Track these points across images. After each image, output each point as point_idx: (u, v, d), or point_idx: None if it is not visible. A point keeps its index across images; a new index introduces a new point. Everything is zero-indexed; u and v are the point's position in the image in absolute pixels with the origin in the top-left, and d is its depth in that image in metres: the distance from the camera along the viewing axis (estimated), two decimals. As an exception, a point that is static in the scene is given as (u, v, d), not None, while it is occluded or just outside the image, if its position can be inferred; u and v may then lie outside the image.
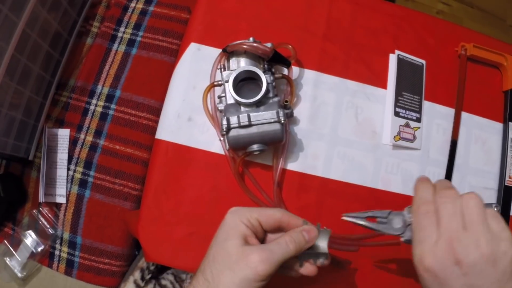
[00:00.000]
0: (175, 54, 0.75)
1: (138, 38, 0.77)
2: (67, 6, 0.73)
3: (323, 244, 0.46)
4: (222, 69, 0.57)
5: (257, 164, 0.59)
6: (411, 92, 0.64)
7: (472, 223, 0.38)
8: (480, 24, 1.38)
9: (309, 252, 0.46)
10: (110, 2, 0.80)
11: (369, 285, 0.59)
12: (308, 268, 0.47)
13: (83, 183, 0.72)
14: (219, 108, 0.56)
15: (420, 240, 0.40)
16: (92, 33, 0.78)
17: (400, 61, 0.65)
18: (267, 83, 0.53)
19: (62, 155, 0.73)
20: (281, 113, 0.52)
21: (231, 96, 0.53)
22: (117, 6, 0.79)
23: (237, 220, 0.44)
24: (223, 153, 0.58)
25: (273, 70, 0.57)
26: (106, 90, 0.75)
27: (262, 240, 0.47)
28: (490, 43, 0.70)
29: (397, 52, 0.65)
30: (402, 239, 0.46)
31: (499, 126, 0.68)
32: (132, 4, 0.79)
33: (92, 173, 0.72)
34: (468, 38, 0.69)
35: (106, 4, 0.80)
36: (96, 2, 0.80)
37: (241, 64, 0.55)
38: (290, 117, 0.58)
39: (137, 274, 0.71)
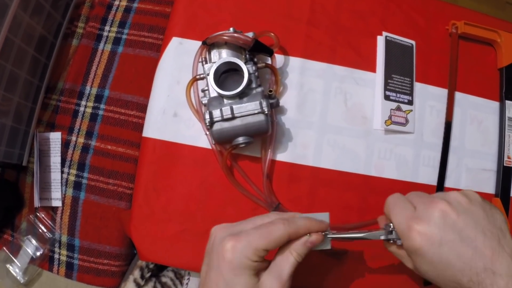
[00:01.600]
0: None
1: (124, 36, 0.76)
2: (50, 9, 0.72)
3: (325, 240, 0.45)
4: (204, 62, 0.56)
5: (245, 157, 0.58)
6: (401, 74, 0.62)
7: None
8: (475, 1, 1.34)
9: None
10: (94, 2, 0.79)
11: (367, 274, 0.58)
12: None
13: (77, 185, 0.72)
14: (203, 102, 0.55)
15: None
16: (77, 34, 0.78)
17: (388, 43, 0.63)
18: (249, 74, 0.52)
19: (55, 159, 0.73)
20: (264, 104, 0.51)
21: (213, 89, 0.52)
22: (101, 5, 0.78)
23: (246, 260, 0.40)
24: (210, 147, 0.57)
25: (255, 60, 0.56)
26: (94, 90, 0.74)
27: None
28: (483, 20, 0.67)
29: (384, 33, 0.63)
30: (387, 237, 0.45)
31: (495, 105, 0.66)
32: (116, 2, 0.79)
33: (85, 174, 0.72)
34: (459, 16, 0.67)
35: (90, 4, 0.79)
36: (79, 2, 0.80)
37: (222, 55, 0.54)
38: (276, 107, 0.56)
39: (136, 273, 0.71)
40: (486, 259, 0.36)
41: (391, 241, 0.45)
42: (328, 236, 0.45)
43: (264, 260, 0.42)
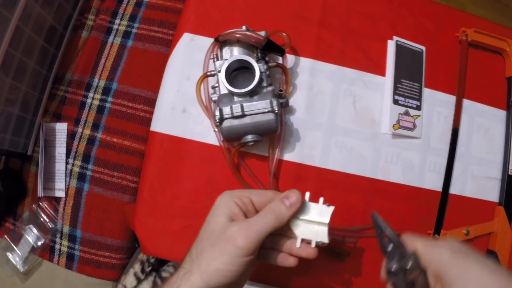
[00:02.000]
0: (171, 45, 0.74)
1: (134, 30, 0.76)
2: (61, 0, 0.72)
3: (324, 220, 0.44)
4: (215, 59, 0.56)
5: (253, 155, 0.58)
6: (410, 79, 0.63)
7: None
8: (483, 9, 1.34)
9: (308, 229, 0.44)
10: (105, -5, 0.79)
11: (369, 276, 0.58)
12: (306, 250, 0.44)
13: (81, 177, 0.72)
14: (213, 98, 0.55)
15: None
16: (87, 26, 0.78)
17: (399, 48, 0.63)
18: (261, 72, 0.52)
19: (60, 149, 0.73)
20: (275, 103, 0.51)
21: (224, 86, 0.53)
22: (112, -2, 0.78)
23: (227, 198, 0.43)
24: (218, 144, 0.57)
25: (267, 59, 0.56)
26: (102, 83, 0.74)
27: None
28: (492, 28, 0.68)
29: (395, 38, 0.63)
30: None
31: (502, 113, 0.66)
32: (127, -4, 0.79)
33: (90, 166, 0.72)
34: (469, 23, 0.67)
35: (101, -4, 0.79)
36: (91, -6, 0.80)
37: (234, 53, 0.54)
38: (285, 107, 0.57)
39: (137, 267, 0.71)
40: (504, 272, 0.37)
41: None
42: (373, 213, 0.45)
43: (243, 215, 0.43)
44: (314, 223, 0.44)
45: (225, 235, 0.40)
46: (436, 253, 0.40)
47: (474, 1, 1.34)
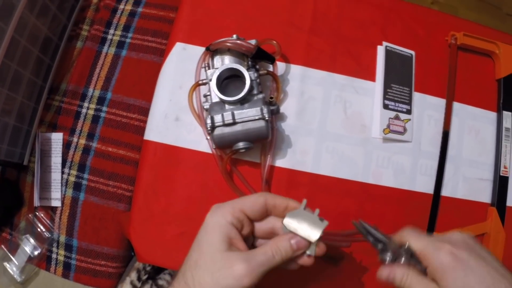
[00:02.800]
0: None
1: (128, 40, 0.77)
2: (56, 11, 0.73)
3: (315, 235, 0.43)
4: (207, 68, 0.56)
5: (245, 162, 0.59)
6: (400, 84, 0.63)
7: None
8: (475, 13, 1.35)
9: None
10: (99, 5, 0.80)
11: (363, 279, 0.58)
12: (302, 258, 0.44)
13: (77, 186, 0.72)
14: (205, 107, 0.56)
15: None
16: (82, 37, 0.79)
17: (388, 53, 0.64)
18: (251, 80, 0.53)
19: (56, 159, 0.73)
20: (265, 110, 0.52)
21: (215, 94, 0.53)
22: (106, 9, 0.79)
23: (220, 218, 0.42)
24: (211, 152, 0.58)
25: (257, 67, 0.56)
26: (97, 92, 0.75)
27: (250, 233, 0.46)
28: (482, 31, 0.69)
29: (384, 43, 0.64)
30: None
31: (492, 115, 0.67)
32: (121, 6, 0.79)
33: (86, 175, 0.72)
34: (459, 27, 0.68)
35: (95, 7, 0.80)
36: (85, 5, 0.81)
37: (225, 61, 0.55)
38: (276, 114, 0.57)
39: (133, 275, 0.71)
40: (509, 278, 0.38)
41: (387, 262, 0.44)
42: (354, 222, 0.45)
43: (240, 237, 0.43)
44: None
45: (231, 271, 0.39)
46: (436, 258, 0.40)
47: (467, 4, 1.36)
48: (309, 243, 0.43)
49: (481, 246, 0.42)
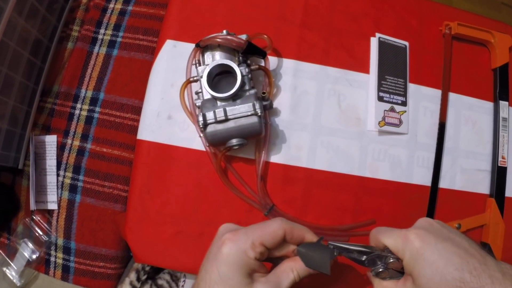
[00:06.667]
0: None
1: (119, 39, 0.76)
2: (45, 13, 0.73)
3: (325, 263, 0.44)
4: (197, 65, 0.56)
5: (239, 159, 0.58)
6: (394, 76, 0.63)
7: None
8: (470, 3, 1.34)
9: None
10: (89, 5, 0.79)
11: (360, 275, 0.58)
12: None
13: (73, 188, 0.72)
14: (197, 104, 0.55)
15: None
16: (72, 38, 0.78)
17: (382, 44, 0.63)
18: (242, 76, 0.52)
19: (50, 162, 0.73)
20: (257, 105, 0.51)
21: (206, 91, 0.53)
22: (96, 8, 0.78)
23: (242, 254, 0.41)
24: (204, 149, 0.57)
25: (248, 62, 0.56)
26: (89, 93, 0.74)
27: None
28: (476, 20, 0.68)
29: (377, 35, 0.63)
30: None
31: (489, 105, 0.66)
32: (111, 5, 0.79)
33: (81, 177, 0.72)
34: (453, 16, 0.67)
35: (85, 7, 0.79)
36: (74, 6, 0.80)
37: (216, 58, 0.55)
38: (269, 109, 0.56)
39: (132, 276, 0.71)
40: (478, 257, 0.38)
41: (380, 270, 0.45)
42: (330, 243, 0.45)
43: (261, 265, 0.43)
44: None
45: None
46: (406, 249, 0.41)
47: (461, -6, 1.35)
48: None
49: (449, 228, 0.43)
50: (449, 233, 0.41)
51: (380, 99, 0.61)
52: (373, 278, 0.46)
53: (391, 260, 0.43)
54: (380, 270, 0.44)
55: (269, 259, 0.46)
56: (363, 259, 0.45)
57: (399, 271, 0.44)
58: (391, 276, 0.44)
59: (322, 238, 0.45)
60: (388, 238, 0.43)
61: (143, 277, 0.71)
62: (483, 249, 0.40)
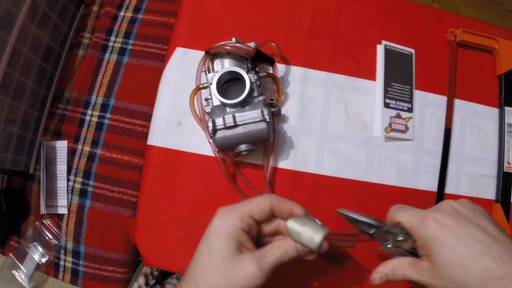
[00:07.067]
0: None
1: (129, 46, 0.78)
2: (57, 20, 0.74)
3: (317, 238, 0.43)
4: (207, 72, 0.57)
5: (248, 164, 0.59)
6: (400, 82, 0.63)
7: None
8: (476, 10, 1.35)
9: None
10: (100, 13, 0.81)
11: (368, 279, 0.58)
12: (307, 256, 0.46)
13: (83, 193, 0.73)
14: (206, 110, 0.56)
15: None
16: (83, 45, 0.80)
17: (388, 52, 0.64)
18: (251, 83, 0.53)
19: (61, 167, 0.74)
20: (266, 112, 0.52)
21: (216, 97, 0.54)
22: (107, 16, 0.80)
23: (230, 224, 0.42)
24: (213, 155, 0.58)
25: (257, 69, 0.57)
26: (100, 100, 0.76)
27: (257, 233, 0.46)
28: (481, 27, 0.68)
29: (384, 42, 0.64)
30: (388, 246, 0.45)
31: (494, 111, 0.67)
32: (121, 13, 0.80)
33: (91, 182, 0.73)
34: (458, 24, 0.68)
35: (95, 15, 0.81)
36: (86, 13, 0.82)
37: (225, 65, 0.56)
38: (277, 115, 0.57)
39: (141, 280, 0.72)
40: (503, 244, 0.37)
41: (388, 245, 0.45)
42: (338, 211, 0.46)
43: (250, 241, 0.44)
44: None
45: (243, 273, 0.40)
46: (422, 230, 0.41)
47: (467, 2, 1.35)
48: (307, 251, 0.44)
49: (477, 211, 0.41)
50: (474, 218, 0.40)
51: (387, 105, 0.62)
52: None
53: (401, 238, 0.43)
54: (389, 246, 0.44)
55: (261, 244, 0.46)
56: (371, 232, 0.45)
57: (408, 251, 0.44)
58: (400, 254, 0.44)
59: (307, 211, 0.45)
60: (404, 215, 0.43)
61: (152, 282, 0.72)
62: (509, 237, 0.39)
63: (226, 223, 0.43)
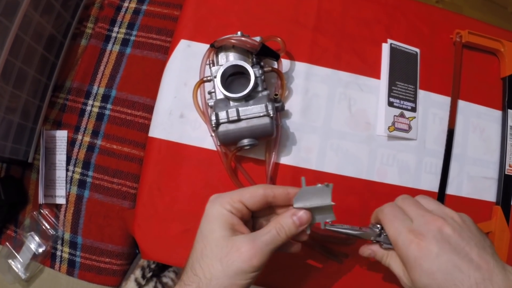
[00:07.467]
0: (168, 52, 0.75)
1: (132, 38, 0.77)
2: (60, 9, 0.73)
3: (326, 201, 0.44)
4: (211, 65, 0.57)
5: (249, 159, 0.59)
6: (405, 82, 0.63)
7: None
8: (480, 12, 1.35)
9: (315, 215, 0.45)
10: (103, 3, 0.80)
11: (367, 276, 0.58)
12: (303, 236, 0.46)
13: (82, 184, 0.72)
14: (209, 104, 0.56)
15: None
16: (86, 34, 0.79)
17: (393, 50, 0.64)
18: (256, 77, 0.53)
19: (60, 157, 0.74)
20: (270, 107, 0.52)
21: (220, 91, 0.53)
22: (110, 7, 0.79)
23: (220, 208, 0.42)
24: (215, 149, 0.58)
25: (262, 63, 0.56)
26: (101, 90, 0.75)
27: (251, 223, 0.46)
28: (486, 29, 0.68)
29: (389, 41, 0.64)
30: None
31: (497, 113, 0.67)
32: (125, 4, 0.80)
33: (90, 173, 0.72)
34: (464, 25, 0.68)
35: (99, 5, 0.80)
36: (89, 3, 0.81)
37: (229, 58, 0.55)
38: (281, 111, 0.57)
39: (138, 273, 0.72)
40: (483, 270, 0.38)
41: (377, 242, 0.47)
42: (326, 227, 0.46)
43: (242, 224, 0.43)
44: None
45: (238, 254, 0.40)
46: (405, 251, 0.41)
47: (471, 4, 1.35)
48: (311, 216, 0.44)
49: (463, 231, 0.41)
50: (459, 241, 0.40)
51: (390, 104, 0.62)
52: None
53: (387, 246, 0.46)
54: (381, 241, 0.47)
55: None
56: (358, 236, 0.48)
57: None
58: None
59: (304, 179, 0.44)
60: (393, 229, 0.43)
61: (148, 275, 0.72)
62: (495, 258, 0.39)
63: (216, 206, 0.43)
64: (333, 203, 0.44)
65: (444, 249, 0.39)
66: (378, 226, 0.48)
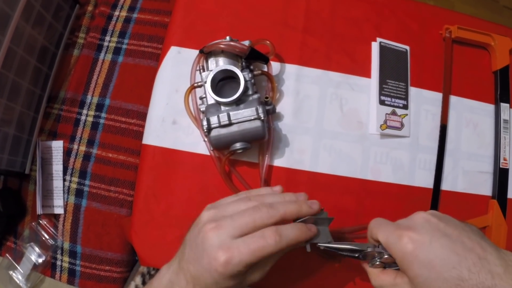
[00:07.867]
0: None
1: (124, 46, 0.78)
2: (51, 20, 0.74)
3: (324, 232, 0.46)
4: (202, 70, 0.57)
5: (243, 162, 0.59)
6: (396, 79, 0.63)
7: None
8: (472, 6, 1.35)
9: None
10: (95, 13, 0.81)
11: (365, 276, 0.58)
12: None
13: (79, 193, 0.73)
14: (201, 109, 0.56)
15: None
16: (78, 45, 0.79)
17: (382, 49, 0.64)
18: (245, 81, 0.53)
19: (57, 167, 0.74)
20: (260, 110, 0.52)
21: (210, 96, 0.54)
22: (101, 16, 0.80)
23: (235, 271, 0.40)
24: (208, 153, 0.58)
25: (251, 67, 0.57)
26: (95, 99, 0.76)
27: None
28: (476, 23, 0.68)
29: (378, 39, 0.64)
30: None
31: (490, 107, 0.67)
32: (116, 13, 0.80)
33: (87, 182, 0.73)
34: (453, 20, 0.68)
35: (90, 14, 0.81)
36: (80, 13, 0.81)
37: (219, 63, 0.55)
38: (272, 113, 0.57)
39: (138, 279, 0.72)
40: (478, 251, 0.38)
41: (377, 262, 0.45)
42: (320, 244, 0.46)
43: None
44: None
45: (211, 254, 0.40)
46: (398, 249, 0.41)
47: (463, -1, 1.36)
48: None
49: (448, 220, 0.42)
50: (447, 228, 0.40)
51: (382, 102, 0.62)
52: (369, 270, 0.46)
53: (386, 256, 0.43)
54: (377, 263, 0.44)
55: None
56: (356, 255, 0.46)
57: (396, 263, 0.44)
58: (389, 266, 0.45)
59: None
60: (381, 233, 0.43)
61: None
62: (485, 240, 0.40)
63: (232, 271, 0.40)
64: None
65: (435, 236, 0.39)
66: (375, 243, 0.46)
